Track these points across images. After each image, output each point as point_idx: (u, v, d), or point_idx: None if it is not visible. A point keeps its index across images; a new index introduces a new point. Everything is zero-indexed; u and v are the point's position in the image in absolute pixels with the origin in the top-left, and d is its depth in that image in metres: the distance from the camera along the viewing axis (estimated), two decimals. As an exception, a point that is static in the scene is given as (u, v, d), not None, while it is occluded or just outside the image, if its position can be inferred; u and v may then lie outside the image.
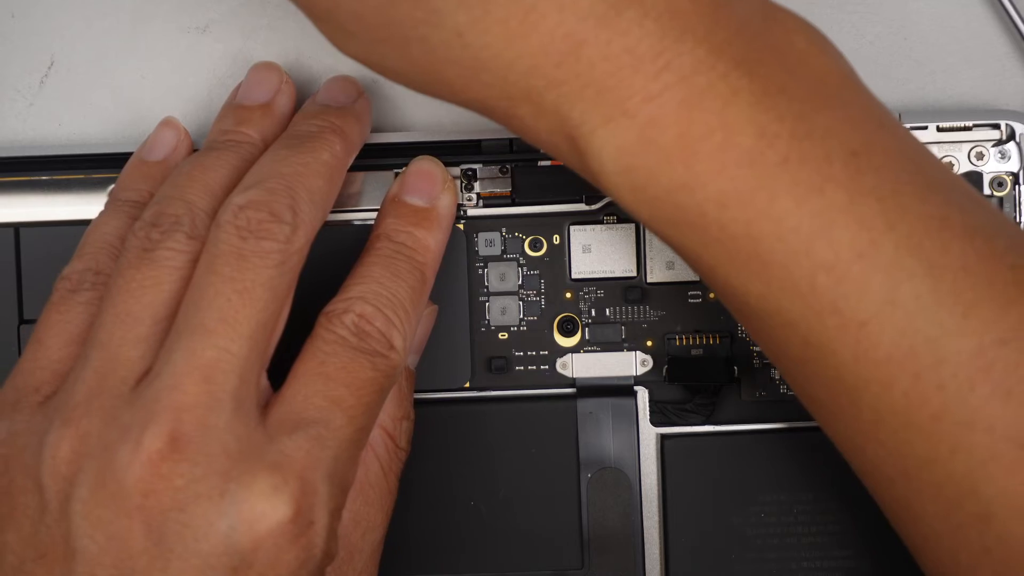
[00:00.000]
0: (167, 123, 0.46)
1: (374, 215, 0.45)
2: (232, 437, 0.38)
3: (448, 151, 0.46)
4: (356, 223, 0.46)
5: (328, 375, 0.40)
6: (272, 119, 0.45)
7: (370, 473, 0.43)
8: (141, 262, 0.40)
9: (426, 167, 0.45)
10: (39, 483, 0.38)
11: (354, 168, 0.46)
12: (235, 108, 0.46)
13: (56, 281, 0.42)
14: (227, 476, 0.37)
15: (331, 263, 0.43)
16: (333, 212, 0.46)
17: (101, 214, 0.44)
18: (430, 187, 0.45)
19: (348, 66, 0.48)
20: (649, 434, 0.47)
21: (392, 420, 0.44)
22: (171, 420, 0.37)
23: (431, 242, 0.44)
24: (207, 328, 0.38)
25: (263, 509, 0.37)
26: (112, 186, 0.46)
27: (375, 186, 0.46)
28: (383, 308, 0.41)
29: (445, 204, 0.45)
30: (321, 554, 0.38)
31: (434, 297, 0.46)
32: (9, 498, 0.39)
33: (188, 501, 0.37)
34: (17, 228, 0.47)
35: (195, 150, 0.46)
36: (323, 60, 0.48)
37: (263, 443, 0.38)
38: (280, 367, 0.40)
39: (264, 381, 0.40)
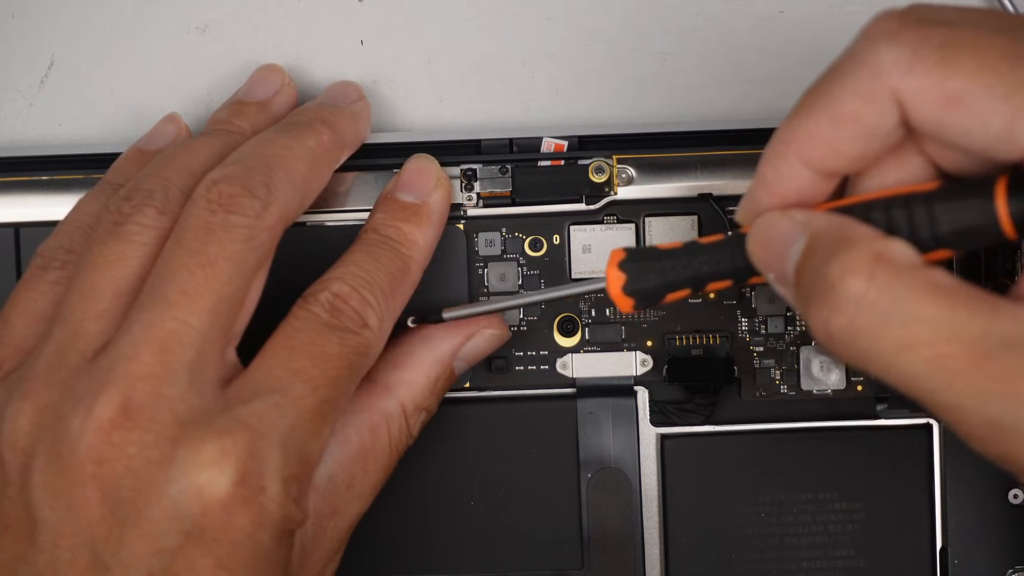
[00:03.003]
0: (170, 117, 0.47)
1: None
2: (185, 406, 0.38)
3: (448, 151, 0.46)
4: (351, 223, 0.46)
5: (293, 347, 0.40)
6: (267, 116, 0.46)
7: (378, 443, 0.43)
8: (109, 236, 0.40)
9: (421, 165, 0.45)
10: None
11: (355, 168, 0.46)
12: (233, 103, 0.46)
13: (31, 259, 0.42)
14: (176, 442, 0.37)
15: (326, 263, 0.43)
16: (329, 212, 0.46)
17: (85, 195, 0.44)
18: (423, 184, 0.45)
19: (348, 69, 0.48)
20: (649, 434, 0.47)
21: (415, 406, 0.44)
22: (124, 389, 0.37)
23: (418, 236, 0.44)
24: (168, 300, 0.38)
25: (210, 474, 0.37)
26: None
27: (374, 186, 0.46)
28: (359, 288, 0.41)
29: (436, 201, 0.45)
30: (279, 519, 0.38)
31: (435, 297, 0.46)
32: None
33: (139, 468, 0.37)
34: (17, 228, 0.47)
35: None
36: (321, 61, 0.48)
37: (218, 411, 0.38)
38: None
39: (231, 357, 0.40)
